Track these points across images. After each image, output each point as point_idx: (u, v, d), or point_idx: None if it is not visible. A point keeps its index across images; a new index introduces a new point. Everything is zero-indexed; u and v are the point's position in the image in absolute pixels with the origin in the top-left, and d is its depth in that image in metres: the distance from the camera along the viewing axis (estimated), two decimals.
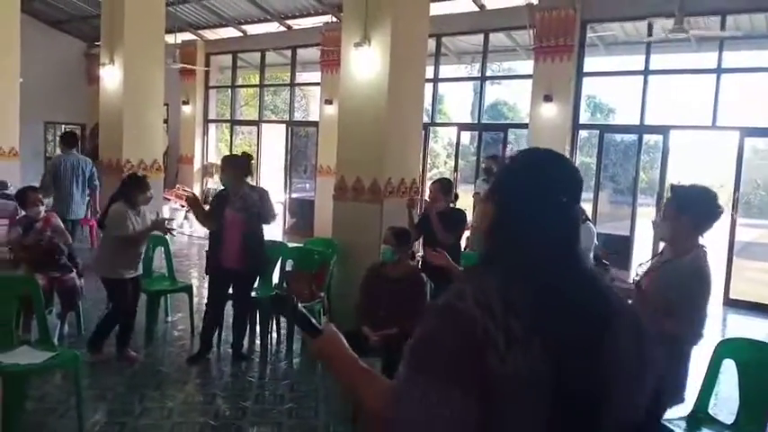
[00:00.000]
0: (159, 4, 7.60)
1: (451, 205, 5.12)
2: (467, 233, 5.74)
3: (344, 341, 1.37)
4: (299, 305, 1.41)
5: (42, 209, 4.99)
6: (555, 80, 8.66)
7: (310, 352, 1.40)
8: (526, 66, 9.97)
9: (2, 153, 9.49)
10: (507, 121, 16.92)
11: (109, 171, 7.58)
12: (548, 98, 8.69)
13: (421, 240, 5.21)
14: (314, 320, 1.40)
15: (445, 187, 5.07)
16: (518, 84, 13.01)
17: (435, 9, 7.14)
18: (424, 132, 8.64)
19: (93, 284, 5.28)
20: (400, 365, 1.14)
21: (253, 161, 5.00)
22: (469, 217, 6.10)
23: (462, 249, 5.38)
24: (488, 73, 10.69)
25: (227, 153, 13.76)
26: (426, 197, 5.03)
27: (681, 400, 2.72)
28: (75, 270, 5.05)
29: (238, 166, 4.70)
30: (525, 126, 9.52)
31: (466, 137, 11.87)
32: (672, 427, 2.94)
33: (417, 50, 5.82)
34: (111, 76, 7.48)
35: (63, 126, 14.96)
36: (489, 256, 1.23)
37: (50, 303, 4.85)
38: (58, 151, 8.58)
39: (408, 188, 5.75)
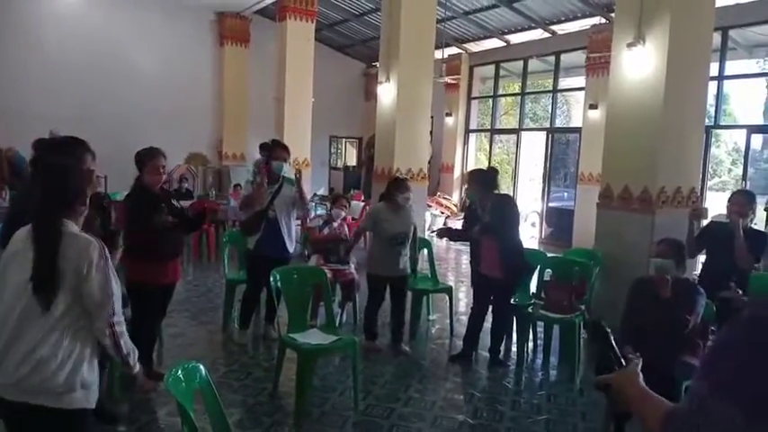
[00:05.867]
0: (431, 23, 8.10)
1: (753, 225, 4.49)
2: None
3: (641, 376, 1.32)
4: (611, 336, 1.47)
5: (344, 212, 5.99)
6: None
7: (602, 380, 1.40)
8: None
9: (297, 164, 11.00)
10: None
11: (381, 179, 8.31)
12: None
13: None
14: (619, 353, 1.43)
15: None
16: None
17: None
18: (705, 136, 7.77)
19: None
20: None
21: (499, 174, 5.02)
22: None
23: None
24: None
25: (485, 162, 14.07)
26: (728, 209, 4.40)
27: None
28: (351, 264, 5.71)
29: (484, 181, 4.81)
30: None
31: (757, 140, 10.33)
32: None
33: (699, 47, 5.28)
34: (386, 93, 8.20)
35: (343, 139, 16.82)
36: None
37: (333, 293, 5.51)
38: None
39: (685, 198, 5.24)
